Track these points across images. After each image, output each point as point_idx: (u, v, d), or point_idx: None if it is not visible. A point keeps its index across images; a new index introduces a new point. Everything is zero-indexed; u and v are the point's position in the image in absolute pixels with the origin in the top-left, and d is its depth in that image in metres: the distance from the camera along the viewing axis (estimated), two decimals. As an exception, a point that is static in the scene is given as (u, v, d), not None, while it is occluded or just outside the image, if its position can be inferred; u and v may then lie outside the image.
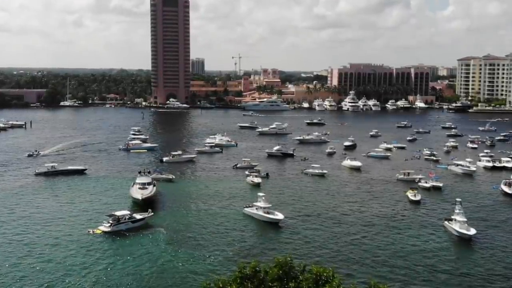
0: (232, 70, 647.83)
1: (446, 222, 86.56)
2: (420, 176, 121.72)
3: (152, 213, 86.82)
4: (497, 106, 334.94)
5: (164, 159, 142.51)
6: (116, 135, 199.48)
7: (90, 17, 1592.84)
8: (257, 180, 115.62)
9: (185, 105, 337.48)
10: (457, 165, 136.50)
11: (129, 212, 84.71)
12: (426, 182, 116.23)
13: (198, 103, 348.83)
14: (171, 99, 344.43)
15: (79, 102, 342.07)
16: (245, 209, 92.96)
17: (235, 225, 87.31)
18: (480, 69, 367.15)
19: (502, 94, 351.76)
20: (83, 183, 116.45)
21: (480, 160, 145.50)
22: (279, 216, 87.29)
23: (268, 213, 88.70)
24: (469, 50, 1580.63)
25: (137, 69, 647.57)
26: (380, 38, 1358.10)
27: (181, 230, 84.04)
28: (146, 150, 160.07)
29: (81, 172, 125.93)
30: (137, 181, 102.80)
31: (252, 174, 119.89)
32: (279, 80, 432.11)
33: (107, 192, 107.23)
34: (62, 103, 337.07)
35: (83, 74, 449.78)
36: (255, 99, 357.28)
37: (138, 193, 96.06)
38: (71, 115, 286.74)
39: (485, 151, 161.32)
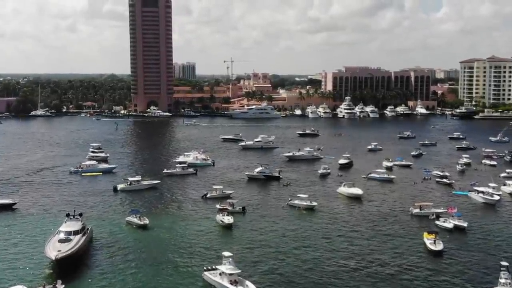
0: (225, 74, 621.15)
1: (487, 294, 60.65)
2: (437, 211, 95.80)
3: (63, 286, 60.29)
4: (505, 111, 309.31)
5: (119, 186, 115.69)
6: (76, 151, 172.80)
7: (84, 22, 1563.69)
8: (228, 220, 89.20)
9: (167, 114, 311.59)
10: (479, 192, 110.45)
11: (25, 289, 58.23)
12: (445, 221, 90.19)
13: (182, 111, 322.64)
14: (152, 107, 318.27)
15: (52, 111, 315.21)
16: (205, 273, 66.62)
17: (187, 300, 61.10)
18: (485, 71, 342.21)
19: (509, 99, 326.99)
20: (3, 225, 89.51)
21: (505, 184, 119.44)
22: (250, 291, 61.05)
23: (235, 282, 62.35)
24: (464, 52, 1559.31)
25: (129, 74, 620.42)
26: (374, 41, 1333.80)
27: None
28: (101, 173, 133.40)
29: (8, 207, 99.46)
30: (61, 228, 76.17)
31: (223, 210, 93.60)
32: (270, 85, 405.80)
33: (28, 244, 79.76)
34: (33, 113, 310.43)
35: (74, 80, 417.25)
36: (243, 106, 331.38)
37: (54, 250, 69.40)
38: (40, 127, 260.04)
39: (507, 170, 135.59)
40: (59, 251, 68.64)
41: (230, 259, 65.11)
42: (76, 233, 74.59)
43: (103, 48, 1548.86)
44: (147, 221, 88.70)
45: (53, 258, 67.16)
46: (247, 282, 62.34)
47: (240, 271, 63.82)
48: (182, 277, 67.71)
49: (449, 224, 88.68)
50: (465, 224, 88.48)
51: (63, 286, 60.26)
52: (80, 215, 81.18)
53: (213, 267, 66.66)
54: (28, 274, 66.64)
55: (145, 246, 79.46)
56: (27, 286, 59.71)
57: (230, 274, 62.78)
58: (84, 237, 75.10)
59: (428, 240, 79.21)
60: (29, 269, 68.59)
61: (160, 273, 68.53)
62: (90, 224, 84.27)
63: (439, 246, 77.38)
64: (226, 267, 63.84)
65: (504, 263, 62.76)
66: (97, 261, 72.76)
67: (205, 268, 67.65)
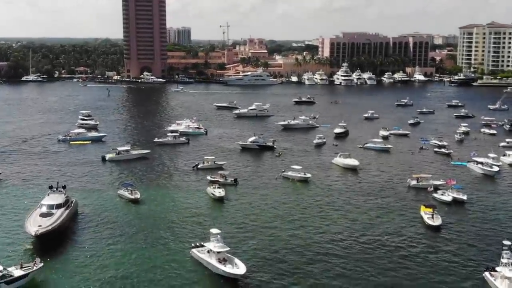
0: (221, 40, 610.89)
1: (487, 274, 57.71)
2: (435, 183, 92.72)
3: (42, 264, 57.25)
4: (504, 78, 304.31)
5: (107, 156, 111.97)
6: (67, 118, 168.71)
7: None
8: (220, 193, 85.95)
9: (160, 80, 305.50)
10: (478, 163, 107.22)
11: (1, 268, 54.97)
12: (444, 194, 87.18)
13: (176, 77, 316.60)
14: (145, 73, 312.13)
15: (43, 76, 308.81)
16: (193, 250, 63.62)
17: (175, 280, 58.09)
18: (484, 37, 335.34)
19: (508, 65, 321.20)
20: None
21: (504, 155, 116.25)
22: (239, 269, 57.78)
23: (224, 260, 59.37)
24: (463, 18, 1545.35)
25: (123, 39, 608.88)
26: (372, 6, 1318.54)
27: (87, 293, 54.83)
28: (90, 142, 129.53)
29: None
30: (43, 202, 72.78)
31: (214, 182, 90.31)
32: (265, 51, 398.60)
33: (7, 218, 76.17)
34: (24, 78, 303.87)
35: (66, 44, 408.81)
36: (238, 73, 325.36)
37: (34, 225, 66.08)
38: (30, 92, 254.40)
39: (507, 140, 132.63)
40: (39, 226, 65.41)
41: (218, 236, 62.03)
42: (58, 206, 71.32)
43: (99, 12, 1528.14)
44: (138, 195, 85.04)
45: (33, 234, 63.95)
46: (236, 260, 59.34)
47: (228, 249, 60.74)
48: (170, 254, 64.74)
49: (448, 197, 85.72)
50: (465, 197, 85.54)
51: (42, 264, 57.17)
52: (64, 187, 77.73)
53: (201, 244, 63.63)
54: (5, 251, 63.59)
55: (132, 221, 76.22)
56: (3, 264, 56.41)
57: (218, 252, 59.76)
58: (67, 211, 71.85)
59: (426, 215, 76.33)
60: (7, 246, 65.44)
61: (148, 250, 65.46)
62: (76, 196, 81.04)
63: (437, 221, 74.51)
64: (214, 245, 60.79)
65: (507, 242, 59.60)
66: (81, 237, 69.64)
67: (193, 245, 64.68)
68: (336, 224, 75.42)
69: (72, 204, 75.20)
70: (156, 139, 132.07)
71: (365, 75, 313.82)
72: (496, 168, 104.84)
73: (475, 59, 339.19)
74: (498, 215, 79.91)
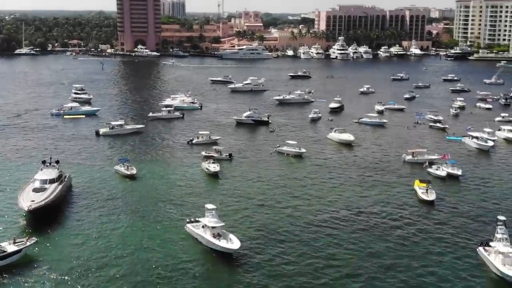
0: (216, 12, 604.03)
1: (481, 249, 57.83)
2: (430, 157, 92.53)
3: (35, 240, 57.01)
4: (500, 52, 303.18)
5: (101, 131, 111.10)
6: (60, 92, 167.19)
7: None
8: (214, 168, 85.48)
9: (155, 53, 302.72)
10: (473, 137, 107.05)
11: (-7, 244, 54.80)
12: (438, 169, 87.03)
13: (170, 50, 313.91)
14: (139, 46, 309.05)
15: (37, 49, 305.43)
16: (188, 225, 63.47)
17: (169, 255, 57.91)
18: (481, 11, 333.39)
19: (504, 39, 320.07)
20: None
21: (500, 129, 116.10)
22: (234, 244, 57.68)
23: (218, 235, 59.21)
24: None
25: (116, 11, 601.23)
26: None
27: (82, 268, 54.51)
28: (83, 116, 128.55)
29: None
30: (36, 176, 72.20)
31: (209, 158, 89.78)
32: (261, 24, 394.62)
33: (1, 192, 75.77)
34: (17, 51, 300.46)
35: (60, 17, 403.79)
36: (233, 46, 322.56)
37: (27, 200, 65.61)
38: (23, 66, 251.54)
39: (502, 114, 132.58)
40: (32, 201, 64.92)
41: (214, 211, 61.72)
42: (52, 181, 70.68)
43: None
44: (134, 171, 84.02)
45: (26, 209, 63.52)
46: (230, 236, 59.21)
47: (223, 224, 60.56)
48: (165, 229, 64.40)
49: (442, 172, 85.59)
50: (459, 172, 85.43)
51: (35, 239, 56.92)
52: (57, 162, 76.97)
53: (196, 219, 63.50)
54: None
55: (128, 196, 75.68)
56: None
57: (213, 227, 59.61)
58: (60, 186, 71.30)
59: (420, 189, 76.19)
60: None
61: (143, 226, 65.16)
62: (69, 171, 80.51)
63: (432, 196, 74.43)
64: (209, 220, 60.60)
65: (501, 217, 59.48)
66: (74, 212, 69.13)
67: (187, 220, 64.46)
68: (331, 198, 75.36)
69: (66, 179, 74.64)
70: (150, 114, 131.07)
71: (361, 49, 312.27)
72: (491, 143, 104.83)
73: (471, 33, 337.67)
74: (492, 190, 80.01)
